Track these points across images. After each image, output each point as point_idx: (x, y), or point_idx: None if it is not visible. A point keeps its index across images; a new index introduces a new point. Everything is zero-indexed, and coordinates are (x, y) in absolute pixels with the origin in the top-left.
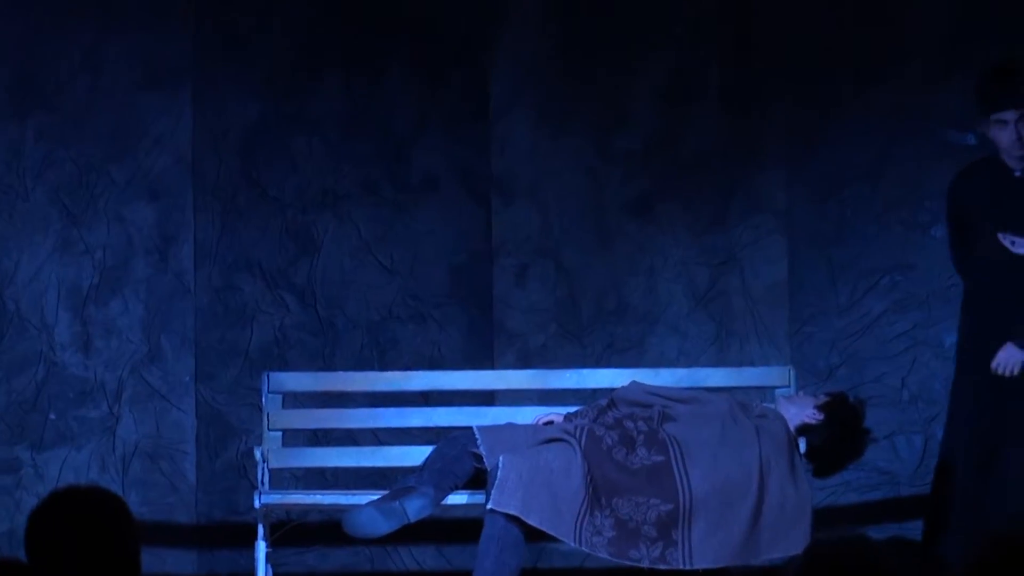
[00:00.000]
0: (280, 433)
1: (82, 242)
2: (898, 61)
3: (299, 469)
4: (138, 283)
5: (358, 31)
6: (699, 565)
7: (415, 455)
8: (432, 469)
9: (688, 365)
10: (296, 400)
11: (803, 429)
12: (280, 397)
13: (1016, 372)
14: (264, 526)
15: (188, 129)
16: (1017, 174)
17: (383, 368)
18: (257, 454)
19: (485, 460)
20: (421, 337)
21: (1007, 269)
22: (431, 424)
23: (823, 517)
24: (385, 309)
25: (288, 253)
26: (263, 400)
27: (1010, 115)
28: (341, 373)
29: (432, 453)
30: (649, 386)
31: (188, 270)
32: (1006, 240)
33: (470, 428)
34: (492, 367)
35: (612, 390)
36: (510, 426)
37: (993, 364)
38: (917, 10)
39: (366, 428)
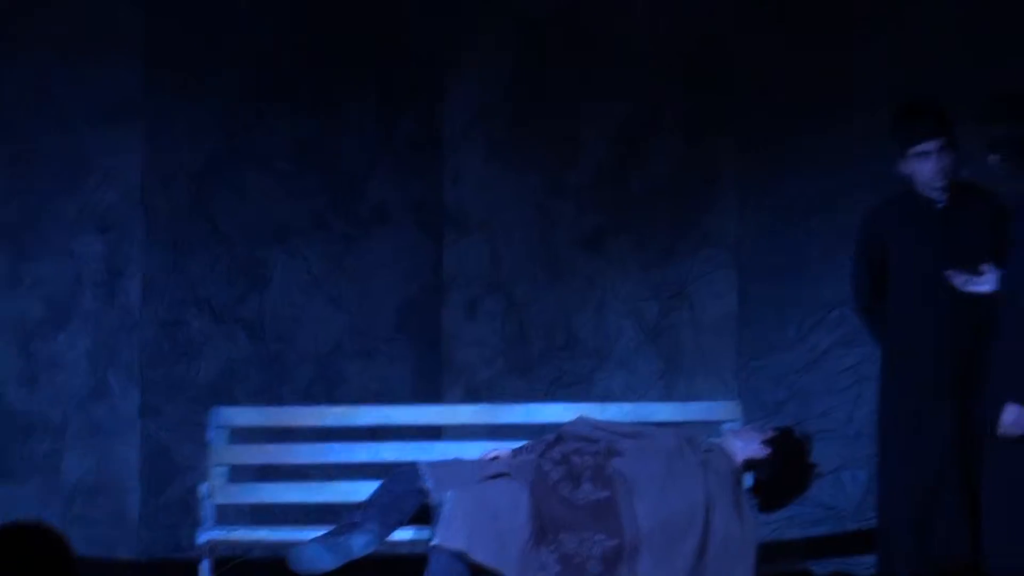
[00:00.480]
0: (226, 468)
1: (29, 276)
2: (849, 97)
3: (246, 505)
4: (85, 317)
5: (310, 66)
6: None
7: (362, 490)
8: (378, 504)
9: (636, 400)
10: (243, 435)
11: (749, 464)
12: (227, 432)
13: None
14: (209, 562)
15: (138, 163)
16: (939, 206)
17: (331, 403)
18: (203, 490)
19: (431, 496)
20: (370, 372)
21: (926, 302)
22: (378, 459)
23: (768, 552)
24: (334, 344)
25: (237, 288)
26: (210, 435)
27: (932, 145)
28: (289, 408)
29: (378, 488)
30: (596, 421)
31: (136, 304)
32: (957, 279)
33: (417, 463)
34: (440, 402)
35: (560, 425)
36: (457, 461)
37: (1000, 431)
38: (868, 46)
39: (313, 463)
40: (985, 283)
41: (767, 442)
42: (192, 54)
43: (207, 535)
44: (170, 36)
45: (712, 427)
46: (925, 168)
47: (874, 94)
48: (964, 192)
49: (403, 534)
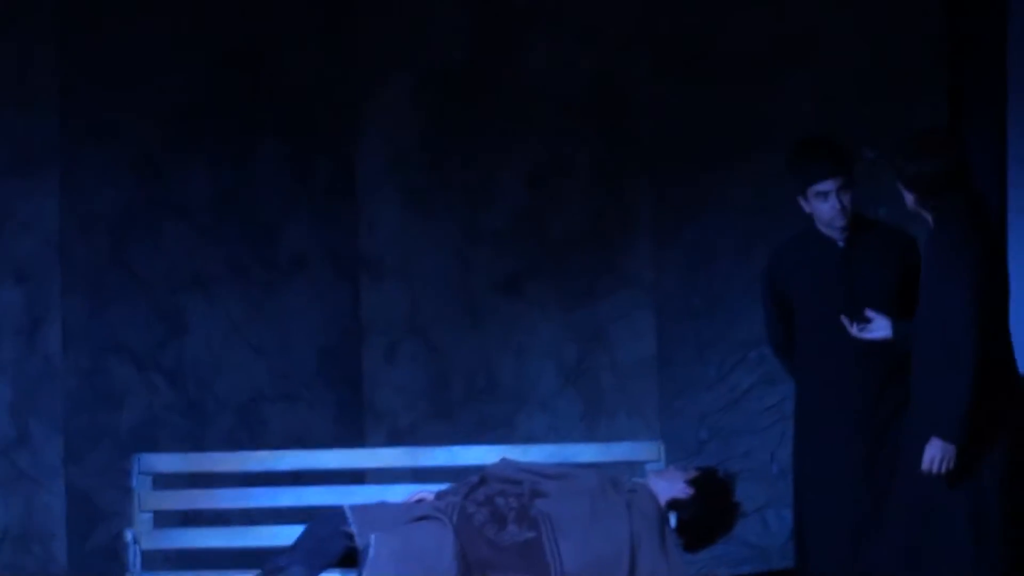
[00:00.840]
0: (151, 515)
1: None
2: (764, 137)
3: (171, 550)
4: (5, 366)
5: (226, 115)
6: None
7: (287, 535)
8: (303, 548)
9: (558, 441)
10: (167, 481)
11: (673, 504)
12: (150, 479)
13: (952, 466)
14: None
15: (55, 212)
16: (841, 245)
17: (253, 448)
18: (128, 536)
19: (356, 539)
20: (291, 417)
21: (831, 341)
22: (302, 504)
23: None
24: (255, 390)
25: (157, 335)
26: (133, 482)
27: (830, 185)
28: (211, 454)
29: (303, 532)
30: (519, 463)
31: (56, 352)
32: (853, 329)
33: (341, 507)
34: (363, 446)
35: (483, 467)
36: (381, 504)
37: (924, 466)
38: (782, 85)
39: (237, 508)
40: (876, 330)
41: (690, 482)
42: (107, 102)
43: None
44: (85, 85)
45: (635, 467)
46: (824, 208)
47: (789, 133)
48: (868, 229)
49: None
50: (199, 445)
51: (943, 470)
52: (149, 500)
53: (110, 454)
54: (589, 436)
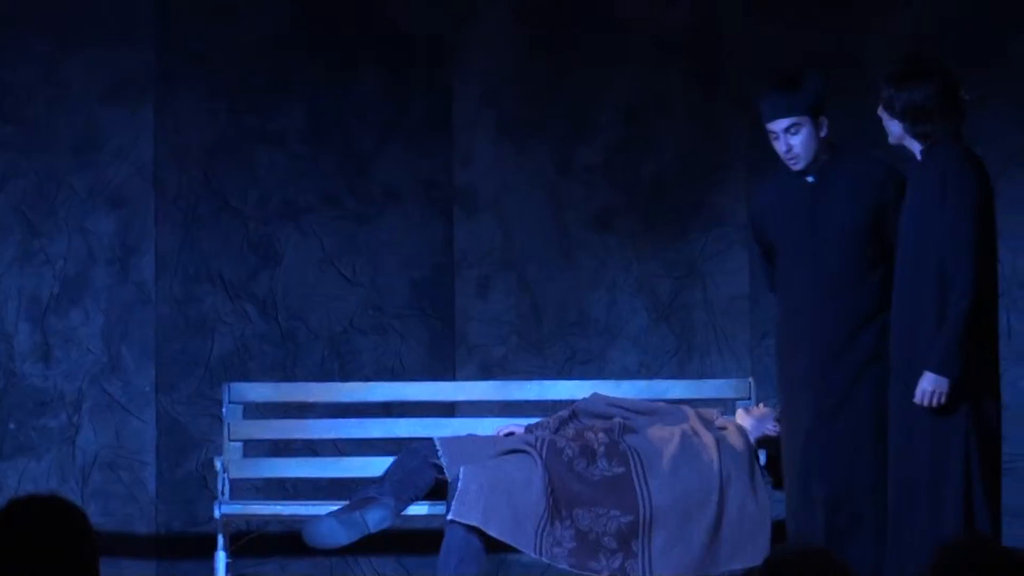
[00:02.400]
0: (241, 444)
1: (43, 252)
2: (858, 75)
3: (259, 480)
4: (98, 293)
5: (321, 46)
6: None
7: (376, 466)
8: (393, 480)
9: (649, 377)
10: (257, 411)
11: (763, 441)
12: (241, 408)
13: (944, 400)
14: (224, 536)
15: (149, 140)
16: (810, 180)
17: (344, 379)
18: (217, 464)
19: (446, 471)
20: (382, 348)
21: (800, 280)
22: (392, 435)
23: (783, 529)
24: (347, 321)
25: (249, 265)
26: (224, 411)
27: (777, 125)
28: (302, 384)
29: (393, 464)
30: (610, 398)
31: (149, 280)
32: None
33: (431, 439)
34: (453, 378)
35: (573, 402)
36: (471, 437)
37: (916, 397)
38: (878, 28)
39: (327, 439)
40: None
41: (780, 420)
42: (203, 33)
43: (222, 509)
44: (181, 15)
45: (726, 404)
46: (776, 147)
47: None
48: (843, 163)
49: (418, 509)
50: (290, 375)
51: (934, 403)
52: (239, 429)
53: (201, 383)
54: (680, 372)
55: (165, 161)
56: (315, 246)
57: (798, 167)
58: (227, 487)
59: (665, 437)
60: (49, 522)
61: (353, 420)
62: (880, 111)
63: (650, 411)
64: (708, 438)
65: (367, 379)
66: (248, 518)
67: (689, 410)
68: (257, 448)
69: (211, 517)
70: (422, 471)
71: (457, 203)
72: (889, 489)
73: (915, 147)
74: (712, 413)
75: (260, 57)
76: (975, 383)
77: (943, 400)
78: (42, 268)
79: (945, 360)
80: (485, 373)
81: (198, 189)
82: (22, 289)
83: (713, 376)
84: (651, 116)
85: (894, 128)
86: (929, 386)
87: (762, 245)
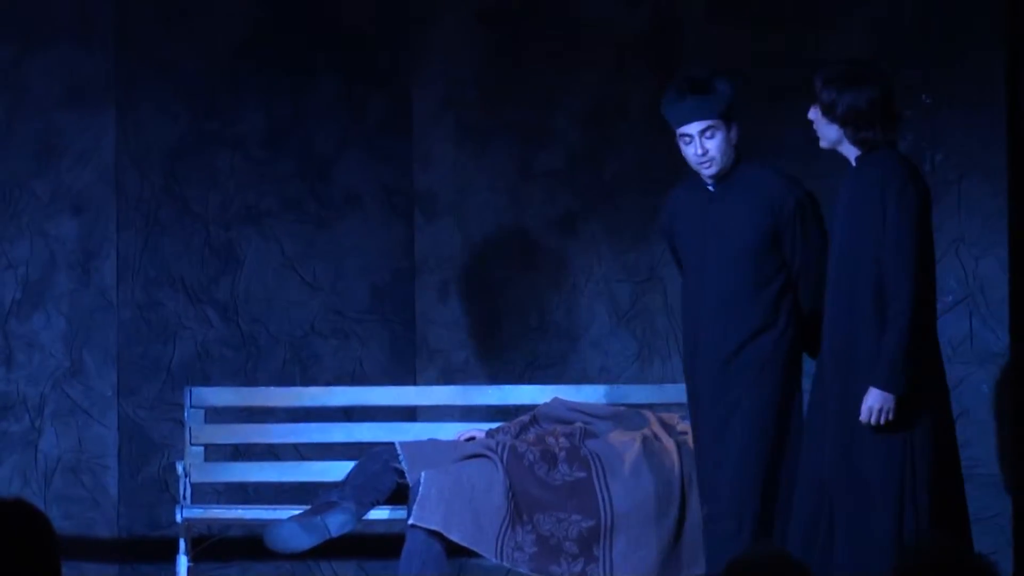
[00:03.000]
0: (202, 448)
1: (4, 257)
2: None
3: (221, 484)
4: (60, 298)
5: (280, 50)
6: None
7: (337, 470)
8: (354, 484)
9: (610, 382)
10: (218, 415)
11: None
12: (202, 412)
13: (892, 417)
14: (186, 541)
15: (111, 145)
16: (710, 189)
17: (305, 383)
18: (179, 468)
19: (407, 475)
20: (343, 353)
21: (697, 289)
22: (353, 439)
23: None
24: (308, 325)
25: (211, 269)
26: (185, 415)
27: (693, 128)
28: (263, 388)
29: (354, 468)
30: (571, 402)
31: (111, 285)
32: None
33: (392, 443)
34: (414, 383)
35: (534, 406)
36: (432, 442)
37: (862, 416)
38: (838, 33)
39: (288, 443)
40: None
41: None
42: (163, 37)
43: (184, 513)
44: (140, 19)
45: (686, 409)
46: (688, 152)
47: None
48: (742, 174)
49: (379, 513)
50: (251, 379)
51: (882, 421)
52: (200, 433)
53: (162, 387)
54: (641, 376)
55: (126, 165)
56: (276, 250)
57: (711, 172)
58: (189, 491)
59: (626, 442)
60: (12, 526)
61: (314, 424)
62: (815, 114)
63: (611, 416)
64: (669, 443)
65: (328, 383)
66: (210, 522)
67: (650, 414)
68: (219, 452)
69: (173, 521)
70: (383, 475)
71: (418, 207)
72: (834, 501)
73: (851, 153)
74: (673, 418)
75: (219, 61)
76: (920, 394)
77: (891, 416)
78: (4, 273)
79: (891, 376)
80: (446, 378)
81: (159, 194)
82: None
83: (674, 380)
84: (612, 119)
85: (830, 133)
86: (876, 403)
87: (673, 252)
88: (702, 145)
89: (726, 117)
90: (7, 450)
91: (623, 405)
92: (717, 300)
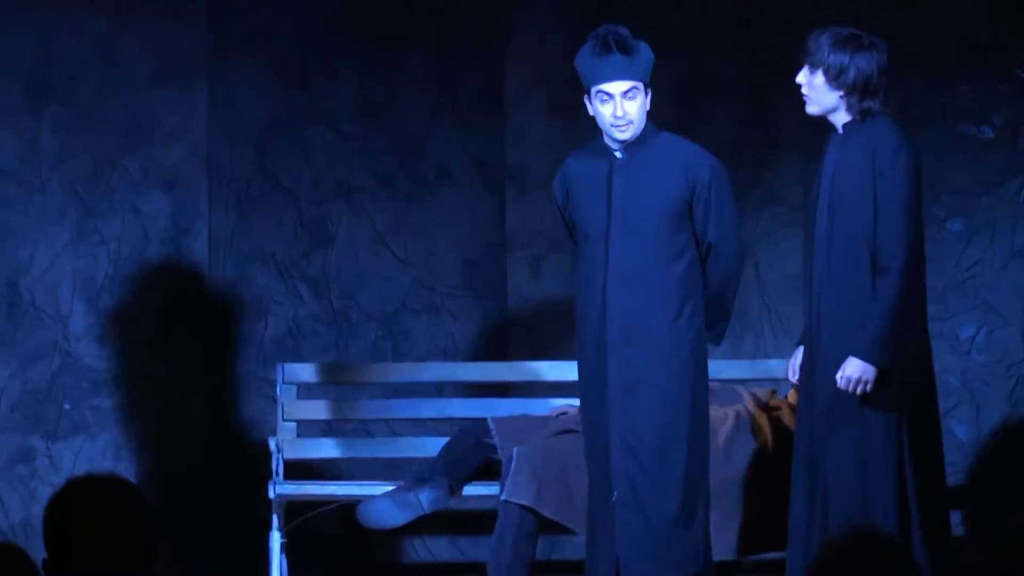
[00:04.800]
0: (294, 424)
1: (97, 233)
2: (913, 56)
3: (313, 460)
4: (152, 274)
5: (372, 24)
6: (714, 556)
7: (429, 446)
8: (446, 460)
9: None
10: (310, 391)
11: None
12: (294, 388)
13: (868, 389)
14: (279, 516)
15: (203, 121)
16: (619, 156)
17: (397, 359)
18: (272, 444)
19: (499, 451)
20: (435, 328)
21: (595, 263)
22: (445, 415)
23: None
24: (399, 301)
25: (302, 245)
26: (277, 391)
27: (616, 87)
28: (355, 364)
29: (446, 444)
30: None
31: (203, 261)
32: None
33: (484, 419)
34: (506, 359)
35: None
36: (524, 417)
37: (839, 383)
38: (930, 9)
39: (380, 419)
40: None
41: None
42: (254, 12)
43: (277, 489)
44: None
45: (780, 385)
46: (604, 112)
47: (935, 53)
48: (654, 142)
49: (472, 489)
50: (343, 355)
51: (858, 391)
52: (292, 409)
53: (254, 362)
54: (735, 353)
55: (218, 142)
56: (367, 226)
57: (626, 136)
58: (281, 467)
59: (719, 417)
60: (108, 501)
61: (406, 400)
62: (814, 77)
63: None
64: (763, 419)
65: (420, 359)
66: (302, 498)
67: (743, 390)
68: (311, 428)
69: (266, 497)
70: (475, 451)
71: (509, 182)
72: (824, 482)
73: (840, 120)
74: (767, 393)
75: (311, 36)
76: (907, 374)
77: (867, 389)
78: (96, 248)
79: (872, 347)
80: (538, 353)
81: (251, 170)
82: (77, 270)
83: (767, 356)
84: (703, 94)
85: (828, 99)
86: (855, 373)
87: (566, 222)
88: (622, 106)
89: (646, 81)
90: (100, 426)
91: (716, 381)
92: (620, 274)
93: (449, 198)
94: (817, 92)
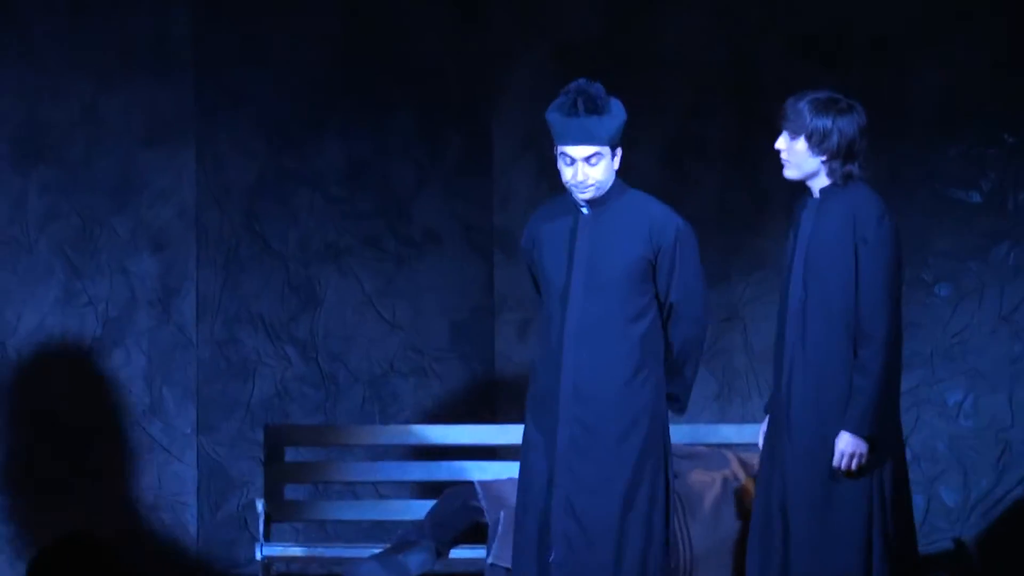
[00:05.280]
0: (282, 485)
1: (85, 294)
2: (901, 120)
3: (300, 522)
4: (140, 335)
5: (360, 87)
6: None
7: (416, 509)
8: (433, 523)
9: (690, 421)
10: (297, 453)
11: None
12: (282, 449)
13: (864, 462)
14: None
15: (191, 182)
16: (585, 212)
17: (385, 422)
18: (259, 506)
19: (486, 514)
20: (422, 391)
21: (559, 318)
22: (432, 478)
23: None
24: (387, 363)
25: (290, 306)
26: (265, 452)
27: (580, 152)
28: (342, 426)
29: (433, 507)
30: None
31: (190, 322)
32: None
33: (471, 482)
34: (493, 422)
35: None
36: (511, 481)
37: (835, 462)
38: (915, 74)
39: (367, 481)
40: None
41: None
42: (242, 74)
43: (264, 551)
44: (220, 55)
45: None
46: (566, 172)
47: (921, 118)
48: (621, 200)
49: (458, 552)
50: (330, 417)
51: (854, 466)
52: (280, 471)
53: (241, 424)
54: (721, 416)
55: (206, 203)
56: (355, 288)
57: (588, 196)
58: (268, 529)
59: (707, 482)
60: (85, 563)
61: (393, 463)
62: (795, 143)
63: (691, 455)
64: (750, 483)
65: (407, 421)
66: (289, 560)
67: (731, 455)
68: (298, 490)
69: (252, 559)
70: (462, 514)
71: (497, 245)
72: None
73: (819, 184)
74: (754, 457)
75: (299, 98)
76: (887, 435)
77: (863, 462)
78: (84, 310)
79: (863, 419)
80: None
81: (239, 231)
82: (65, 330)
83: (755, 421)
84: (691, 157)
85: (809, 163)
86: (849, 448)
87: (531, 273)
88: (583, 171)
89: (614, 144)
90: (87, 487)
91: (703, 445)
92: (577, 331)
93: (437, 261)
94: (799, 157)
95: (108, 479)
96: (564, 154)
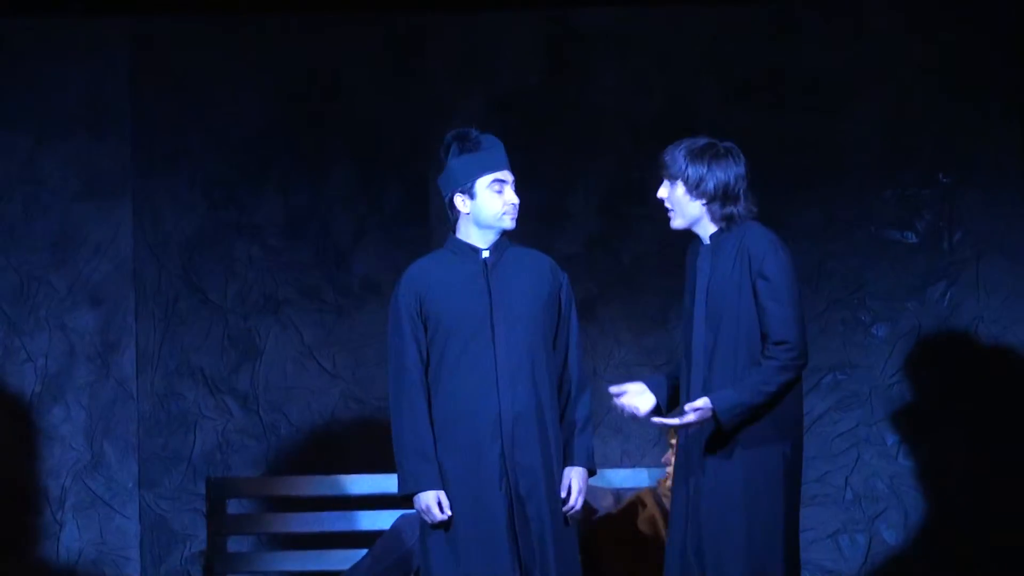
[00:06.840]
0: (225, 538)
1: (23, 350)
2: (836, 163)
3: (243, 574)
4: (80, 390)
5: (296, 140)
6: None
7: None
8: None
9: (632, 466)
10: (240, 505)
11: None
12: (224, 502)
13: (692, 431)
14: None
15: (128, 237)
16: (485, 255)
17: (327, 472)
18: (202, 560)
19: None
20: (365, 440)
21: (477, 363)
22: (376, 527)
23: None
24: (328, 413)
25: (230, 359)
26: (207, 505)
27: (510, 175)
28: (285, 477)
29: (367, 553)
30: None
31: (130, 376)
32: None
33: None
34: None
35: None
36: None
37: (681, 419)
38: (850, 117)
39: (311, 532)
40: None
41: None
42: (179, 128)
43: None
44: (157, 110)
45: None
46: (497, 200)
47: (855, 160)
48: (511, 247)
49: None
50: (273, 468)
51: (685, 422)
52: (222, 523)
53: (184, 478)
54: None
55: (144, 257)
56: (295, 339)
57: (511, 227)
58: None
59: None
60: None
61: (336, 513)
62: (674, 189)
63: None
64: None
65: (349, 472)
66: None
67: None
68: (241, 542)
69: None
70: (400, 560)
71: None
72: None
73: (707, 230)
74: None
75: (235, 152)
76: (795, 455)
77: (691, 432)
78: (23, 366)
79: (732, 409)
80: None
81: (177, 284)
82: (3, 387)
83: None
84: (629, 203)
85: (691, 210)
86: (700, 416)
87: (413, 327)
88: (514, 192)
89: None
90: (29, 543)
91: (645, 489)
92: (508, 367)
93: (376, 310)
94: (680, 204)
95: (51, 535)
96: (496, 181)
